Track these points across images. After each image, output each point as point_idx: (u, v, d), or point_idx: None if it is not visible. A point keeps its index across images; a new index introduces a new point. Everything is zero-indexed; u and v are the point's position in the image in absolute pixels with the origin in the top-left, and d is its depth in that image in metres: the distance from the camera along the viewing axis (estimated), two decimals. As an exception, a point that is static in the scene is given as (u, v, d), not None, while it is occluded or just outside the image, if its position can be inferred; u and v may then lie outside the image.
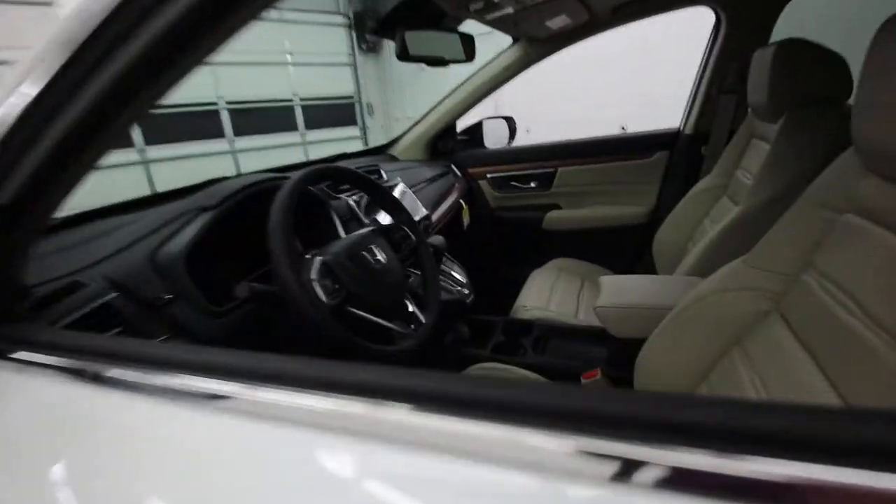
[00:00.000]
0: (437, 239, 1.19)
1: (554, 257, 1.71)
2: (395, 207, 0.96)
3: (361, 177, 0.89)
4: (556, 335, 1.23)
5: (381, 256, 0.82)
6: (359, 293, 0.74)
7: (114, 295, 0.67)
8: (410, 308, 0.86)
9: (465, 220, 1.85)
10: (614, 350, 1.03)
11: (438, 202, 1.59)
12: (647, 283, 1.07)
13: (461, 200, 1.81)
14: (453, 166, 1.93)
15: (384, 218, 1.15)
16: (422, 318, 0.85)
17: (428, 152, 1.92)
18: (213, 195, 0.79)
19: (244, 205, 0.81)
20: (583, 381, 1.02)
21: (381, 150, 1.90)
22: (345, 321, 0.75)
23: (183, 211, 0.77)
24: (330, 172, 0.82)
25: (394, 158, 1.88)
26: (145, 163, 4.93)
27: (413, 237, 0.95)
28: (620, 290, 1.05)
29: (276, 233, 0.66)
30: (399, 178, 1.37)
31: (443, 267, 1.30)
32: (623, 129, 4.60)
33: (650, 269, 1.62)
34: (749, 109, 1.38)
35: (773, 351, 0.69)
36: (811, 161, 0.98)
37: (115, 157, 4.60)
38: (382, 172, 1.38)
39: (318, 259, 0.74)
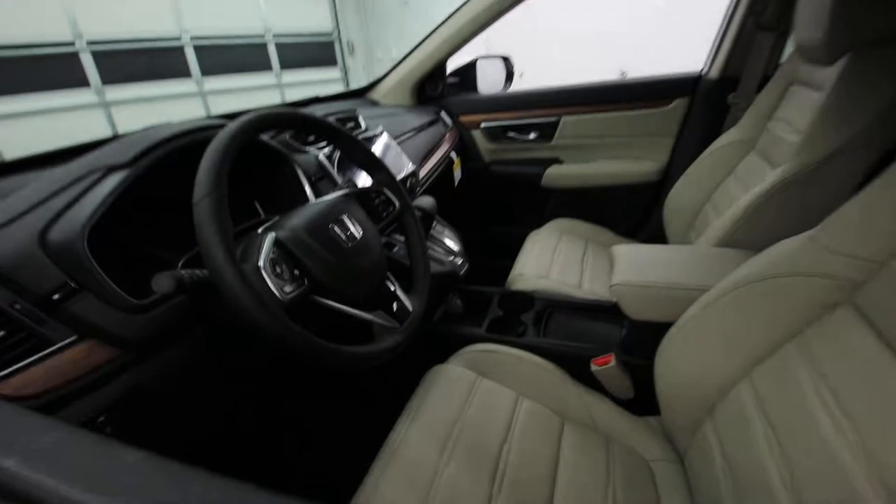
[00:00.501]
0: (425, 201, 1.01)
1: (554, 217, 1.55)
2: (372, 164, 0.77)
3: (328, 126, 0.70)
4: (560, 310, 1.10)
5: (354, 229, 0.65)
6: (326, 280, 0.58)
7: None
8: (392, 288, 0.70)
9: (457, 175, 1.66)
10: (631, 333, 0.90)
11: (427, 155, 1.39)
12: (670, 257, 0.93)
13: (452, 153, 1.61)
14: (443, 113, 1.71)
15: (362, 177, 0.96)
16: (408, 304, 0.69)
17: (414, 96, 1.69)
18: (125, 150, 0.60)
19: (168, 163, 0.62)
20: (594, 367, 0.90)
21: (359, 94, 1.66)
22: (309, 315, 0.59)
23: (86, 171, 0.58)
24: (285, 119, 0.62)
25: (375, 104, 1.65)
26: (105, 105, 4.49)
27: (396, 202, 0.77)
28: (639, 264, 0.90)
29: (204, 202, 0.48)
30: (381, 127, 1.17)
31: (432, 233, 1.13)
32: (623, 74, 4.31)
33: (658, 233, 1.47)
34: (790, 50, 1.19)
35: (847, 352, 0.55)
36: (881, 113, 0.82)
37: (68, 98, 4.12)
38: (361, 120, 1.17)
39: (271, 236, 0.56)
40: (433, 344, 1.03)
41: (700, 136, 1.43)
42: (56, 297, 0.52)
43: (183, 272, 0.52)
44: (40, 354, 0.49)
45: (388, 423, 0.81)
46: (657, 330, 0.81)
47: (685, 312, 0.74)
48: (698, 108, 1.45)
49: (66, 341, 0.52)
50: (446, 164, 1.56)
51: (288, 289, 0.53)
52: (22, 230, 0.53)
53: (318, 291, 0.59)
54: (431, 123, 1.58)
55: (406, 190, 1.12)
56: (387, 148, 1.11)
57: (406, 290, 0.73)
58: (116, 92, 4.53)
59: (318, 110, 1.18)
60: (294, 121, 0.64)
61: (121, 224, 0.63)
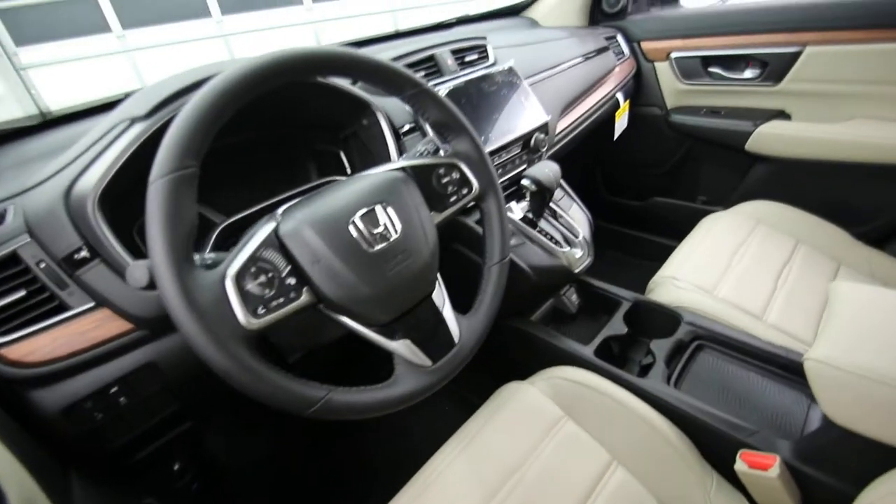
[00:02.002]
0: (543, 171, 0.75)
1: (751, 198, 1.10)
2: (447, 126, 0.55)
3: (374, 68, 0.49)
4: (716, 349, 0.76)
5: (389, 226, 0.47)
6: (331, 295, 0.43)
7: (25, 241, 0.48)
8: (438, 300, 0.50)
9: (620, 125, 1.28)
10: (826, 433, 0.56)
11: (577, 98, 1.07)
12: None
13: (619, 94, 1.23)
14: (620, 37, 1.30)
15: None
16: (454, 331, 0.50)
17: (584, 14, 1.32)
18: (146, 99, 0.51)
19: None
20: (740, 465, 0.59)
21: (516, 12, 1.36)
22: (316, 325, 0.46)
23: (115, 122, 0.52)
24: (302, 64, 0.43)
25: (535, 24, 1.33)
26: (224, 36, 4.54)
27: (475, 183, 0.55)
28: (872, 328, 0.52)
29: (157, 186, 0.36)
30: (512, 62, 0.90)
31: (551, 207, 0.87)
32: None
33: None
34: None
35: None
36: None
37: (85, 46, 3.90)
38: (489, 50, 0.92)
39: (266, 229, 0.42)
40: (519, 350, 0.83)
41: None
42: (73, 259, 0.49)
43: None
44: (51, 321, 0.48)
45: (436, 435, 0.68)
46: (875, 453, 0.47)
47: None
48: None
49: (82, 308, 0.49)
50: (608, 107, 1.20)
51: (262, 310, 0.40)
52: (54, 186, 0.51)
53: (325, 303, 0.44)
54: (600, 52, 1.22)
55: (531, 150, 0.86)
56: (508, 91, 0.86)
57: (462, 307, 0.54)
58: (233, 23, 4.64)
59: (449, 36, 0.96)
60: (318, 64, 0.46)
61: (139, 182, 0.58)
